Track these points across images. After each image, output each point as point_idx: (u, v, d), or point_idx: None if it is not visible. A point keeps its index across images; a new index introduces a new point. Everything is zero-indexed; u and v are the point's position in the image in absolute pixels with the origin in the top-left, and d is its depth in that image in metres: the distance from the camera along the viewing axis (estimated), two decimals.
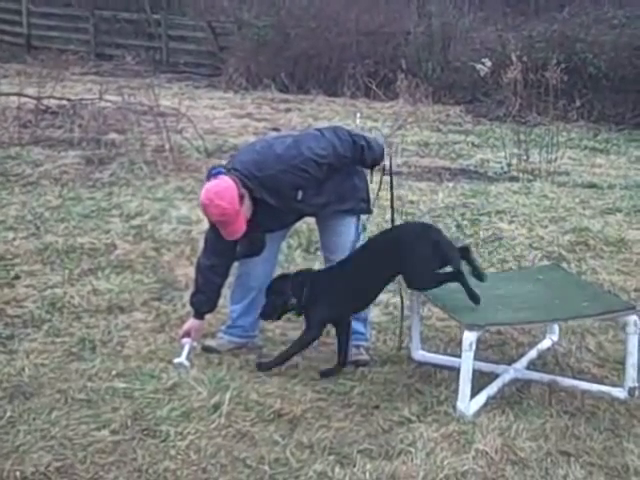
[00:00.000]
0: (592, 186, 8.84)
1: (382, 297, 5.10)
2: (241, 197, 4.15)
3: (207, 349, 4.56)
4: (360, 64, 15.67)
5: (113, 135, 9.78)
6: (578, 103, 12.20)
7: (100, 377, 4.14)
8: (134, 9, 19.89)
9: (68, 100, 10.63)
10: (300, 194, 4.27)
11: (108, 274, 5.63)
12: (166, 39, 19.29)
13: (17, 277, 5.53)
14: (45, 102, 10.54)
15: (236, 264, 4.57)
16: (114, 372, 4.19)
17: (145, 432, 3.62)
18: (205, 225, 6.55)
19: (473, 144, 11.51)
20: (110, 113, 10.30)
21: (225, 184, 4.13)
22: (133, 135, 9.46)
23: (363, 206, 4.53)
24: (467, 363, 3.92)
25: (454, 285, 4.47)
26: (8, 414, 3.74)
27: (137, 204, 7.17)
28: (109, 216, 6.88)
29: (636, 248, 6.40)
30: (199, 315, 4.45)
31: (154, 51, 19.33)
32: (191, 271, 5.66)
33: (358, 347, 4.57)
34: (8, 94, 10.53)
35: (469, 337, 3.91)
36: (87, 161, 8.70)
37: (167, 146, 8.90)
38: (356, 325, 4.54)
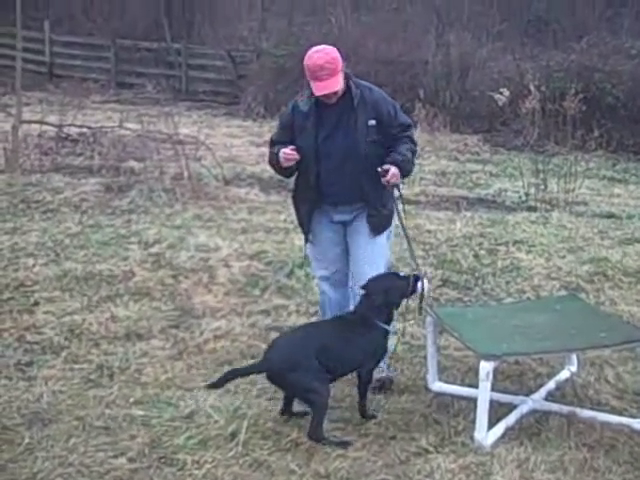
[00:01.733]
0: (610, 216, 8.81)
1: (399, 326, 5.08)
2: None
3: None
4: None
5: (132, 163, 9.88)
6: (596, 133, 12.17)
7: (118, 404, 4.16)
8: (154, 38, 20.12)
9: (88, 128, 10.75)
10: (373, 122, 4.38)
11: (126, 301, 5.66)
12: (186, 68, 19.50)
13: (36, 303, 5.57)
14: (66, 130, 10.67)
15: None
16: (132, 399, 4.22)
17: (162, 460, 3.64)
18: (223, 253, 6.65)
19: (491, 173, 11.52)
20: (129, 141, 10.40)
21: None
22: (152, 163, 9.53)
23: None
24: (484, 393, 3.91)
25: (471, 315, 4.49)
26: (26, 440, 3.76)
27: (155, 231, 7.22)
28: (128, 243, 6.92)
29: None
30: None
31: (174, 80, 19.54)
32: (209, 299, 5.77)
33: (380, 366, 4.48)
34: (30, 122, 10.66)
35: (486, 367, 3.89)
36: (106, 188, 8.78)
37: (186, 174, 8.97)
38: None
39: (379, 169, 4.35)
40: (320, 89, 4.30)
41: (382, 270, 4.50)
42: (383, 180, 4.34)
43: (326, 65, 4.27)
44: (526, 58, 16.41)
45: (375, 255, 4.58)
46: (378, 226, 4.58)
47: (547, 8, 21.32)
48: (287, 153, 4.40)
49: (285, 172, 4.57)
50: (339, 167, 4.44)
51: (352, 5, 19.72)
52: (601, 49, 15.26)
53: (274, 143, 4.58)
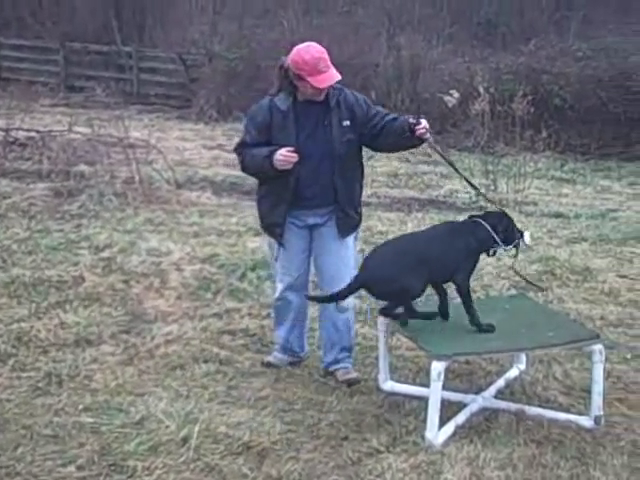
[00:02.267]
0: (559, 216, 8.97)
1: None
2: None
3: (268, 364, 4.79)
4: None
5: (82, 167, 9.74)
6: (545, 134, 12.34)
7: (66, 412, 4.10)
8: (105, 41, 19.91)
9: (37, 132, 10.60)
10: (348, 122, 4.40)
11: (76, 307, 5.59)
12: (137, 71, 19.33)
13: None
14: (13, 134, 10.50)
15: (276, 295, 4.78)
16: (81, 407, 4.16)
17: (112, 468, 3.59)
18: (175, 257, 6.61)
19: (442, 175, 11.62)
20: (79, 145, 10.27)
21: None
22: (102, 167, 9.44)
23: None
24: (435, 393, 3.94)
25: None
26: None
27: (106, 236, 7.14)
28: (78, 248, 6.84)
29: (601, 277, 6.48)
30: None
31: (124, 83, 19.35)
32: (161, 303, 5.73)
33: (346, 367, 4.68)
34: None
35: (437, 367, 3.93)
36: (56, 193, 8.66)
37: (137, 178, 8.89)
38: (342, 351, 4.69)
39: (411, 119, 4.32)
40: (326, 81, 4.26)
41: (354, 271, 4.45)
42: (418, 130, 4.29)
43: (323, 56, 4.29)
44: (476, 60, 16.62)
45: (347, 257, 4.61)
46: (348, 228, 4.59)
47: (496, 11, 21.63)
48: (286, 155, 4.27)
49: (272, 176, 4.37)
50: (316, 168, 4.40)
51: (303, 8, 19.77)
52: (549, 51, 15.57)
53: (247, 146, 4.43)
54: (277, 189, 4.47)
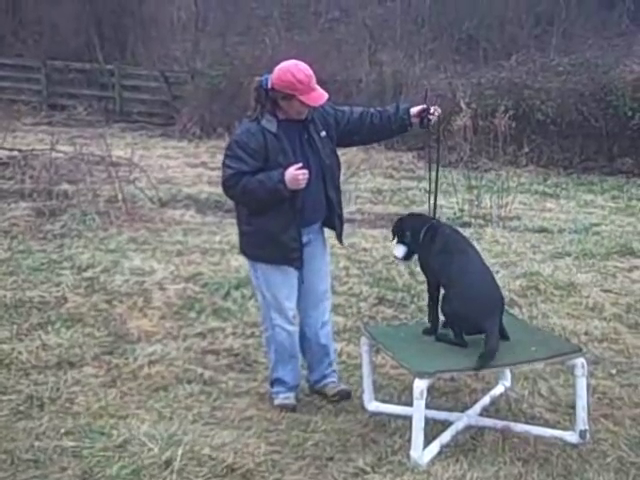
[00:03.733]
0: (542, 230, 8.99)
1: (336, 345, 5.11)
2: None
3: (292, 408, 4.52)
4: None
5: (65, 186, 9.71)
6: (527, 148, 12.46)
7: (48, 436, 4.06)
8: (87, 59, 19.87)
9: (19, 151, 10.56)
10: (324, 133, 4.40)
11: (58, 328, 5.54)
12: (119, 89, 19.29)
13: None
14: None
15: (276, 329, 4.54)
16: (62, 430, 4.11)
17: None
18: (159, 276, 6.57)
19: (426, 190, 11.56)
20: (62, 164, 10.23)
21: None
22: (85, 186, 9.39)
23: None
24: (419, 412, 3.92)
25: (404, 333, 4.52)
26: None
27: (89, 256, 7.10)
28: (60, 269, 6.79)
29: (585, 292, 6.49)
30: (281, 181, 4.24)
31: (107, 101, 19.31)
32: (144, 323, 5.68)
33: (334, 381, 4.68)
34: None
35: (420, 385, 3.91)
36: (38, 213, 8.61)
37: (120, 196, 8.86)
38: (329, 366, 4.69)
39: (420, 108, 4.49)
40: (319, 99, 4.25)
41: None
42: (431, 113, 4.44)
43: (312, 74, 4.26)
44: (458, 75, 16.72)
45: (328, 272, 4.70)
46: (341, 232, 4.64)
47: (477, 26, 21.72)
48: (296, 174, 4.18)
49: (282, 198, 4.24)
50: (312, 183, 4.32)
51: (285, 25, 19.83)
52: (530, 66, 15.65)
53: (245, 174, 4.21)
54: (283, 212, 4.31)
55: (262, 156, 4.25)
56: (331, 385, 4.66)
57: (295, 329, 4.54)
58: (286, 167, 4.22)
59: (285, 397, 4.55)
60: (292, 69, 4.24)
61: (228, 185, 4.30)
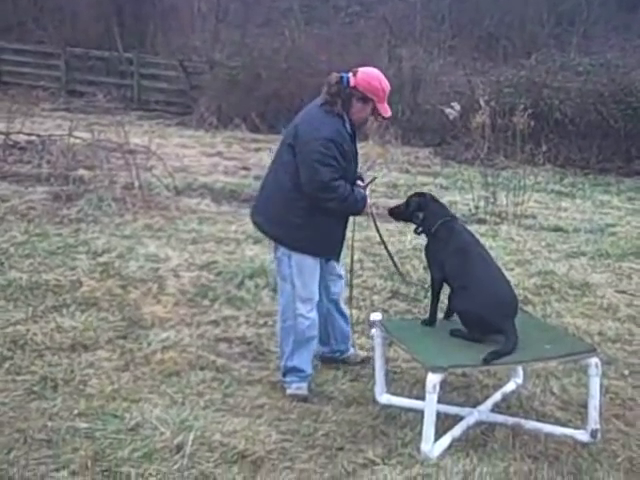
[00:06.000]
0: (558, 229, 8.96)
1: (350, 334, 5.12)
2: None
3: (305, 399, 4.55)
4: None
5: (82, 171, 9.74)
6: (545, 147, 12.39)
7: (61, 417, 4.08)
8: (106, 47, 19.94)
9: (37, 136, 10.59)
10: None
11: (73, 311, 5.57)
12: (138, 77, 19.35)
13: None
14: (14, 137, 10.49)
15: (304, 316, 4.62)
16: (75, 411, 4.13)
17: (105, 473, 3.57)
18: (173, 263, 6.59)
19: (441, 186, 11.62)
20: (79, 149, 10.26)
21: None
22: (102, 172, 9.42)
23: None
24: (431, 405, 3.92)
25: (419, 327, 4.52)
26: None
27: (104, 241, 7.13)
28: (75, 253, 6.82)
29: (600, 292, 6.47)
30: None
31: (125, 89, 19.38)
32: (158, 309, 5.71)
33: (353, 350, 5.05)
34: None
35: (432, 379, 3.91)
36: (55, 197, 8.64)
37: (136, 183, 8.88)
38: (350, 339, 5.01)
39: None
40: (388, 111, 4.49)
41: None
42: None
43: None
44: (477, 73, 16.67)
45: None
46: None
47: (497, 24, 21.66)
48: (368, 207, 4.56)
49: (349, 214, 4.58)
50: None
51: (305, 18, 19.83)
52: (549, 66, 15.57)
53: (340, 179, 4.37)
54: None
55: (345, 157, 4.41)
56: (354, 354, 5.01)
57: (315, 316, 4.62)
58: (346, 173, 4.44)
59: (298, 387, 4.57)
60: (380, 77, 4.44)
61: (330, 187, 4.35)
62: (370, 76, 4.41)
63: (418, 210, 4.54)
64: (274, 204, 4.52)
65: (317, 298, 4.61)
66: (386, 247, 5.07)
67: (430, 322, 4.48)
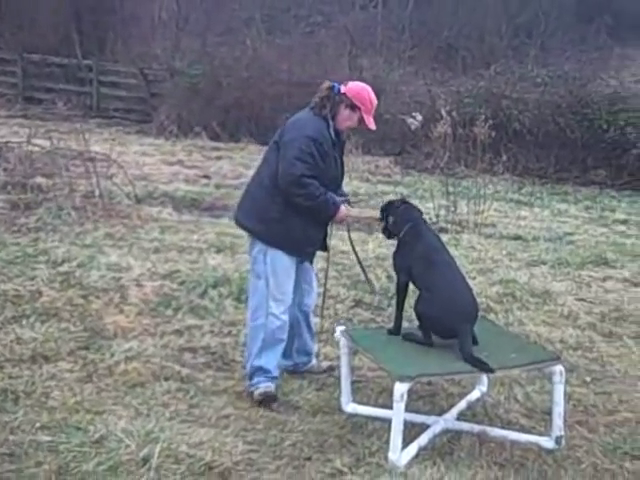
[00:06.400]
0: (517, 238, 9.06)
1: (315, 348, 5.12)
2: None
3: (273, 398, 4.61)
4: (292, 114, 15.83)
5: (40, 179, 9.58)
6: (504, 157, 12.54)
7: (23, 430, 4.00)
8: (65, 54, 19.72)
9: None
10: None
11: (33, 322, 5.47)
12: (97, 84, 19.19)
13: None
14: None
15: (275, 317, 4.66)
16: (38, 424, 4.05)
17: None
18: (135, 273, 6.52)
19: (402, 195, 11.67)
20: (38, 157, 10.10)
21: None
22: (62, 180, 9.29)
23: None
24: (398, 414, 3.92)
25: (384, 337, 4.53)
26: None
27: (64, 250, 7.02)
28: (35, 262, 6.71)
29: (560, 300, 6.55)
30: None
31: (84, 96, 19.18)
32: (121, 319, 5.64)
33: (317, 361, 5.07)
34: None
35: (400, 388, 3.91)
36: (12, 206, 8.50)
37: (97, 192, 8.78)
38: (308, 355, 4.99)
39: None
40: (373, 124, 4.61)
41: None
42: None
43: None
44: (436, 83, 16.82)
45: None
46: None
47: (456, 35, 21.89)
48: (345, 216, 4.65)
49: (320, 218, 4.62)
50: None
51: (266, 27, 19.83)
52: (508, 77, 15.78)
53: (314, 178, 4.46)
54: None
55: (325, 159, 4.50)
56: (316, 364, 5.03)
57: (287, 319, 4.67)
58: (326, 174, 4.53)
59: (266, 386, 4.60)
60: (369, 90, 4.63)
61: (301, 183, 4.43)
62: (360, 87, 4.64)
63: (387, 215, 4.68)
64: (254, 199, 4.67)
65: (290, 301, 4.65)
66: (357, 255, 5.16)
67: (395, 330, 4.50)
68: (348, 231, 4.97)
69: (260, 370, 4.61)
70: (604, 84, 15.10)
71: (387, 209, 4.73)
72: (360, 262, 5.14)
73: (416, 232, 4.51)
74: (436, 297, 4.29)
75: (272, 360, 4.63)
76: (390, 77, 16.75)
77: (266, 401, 4.52)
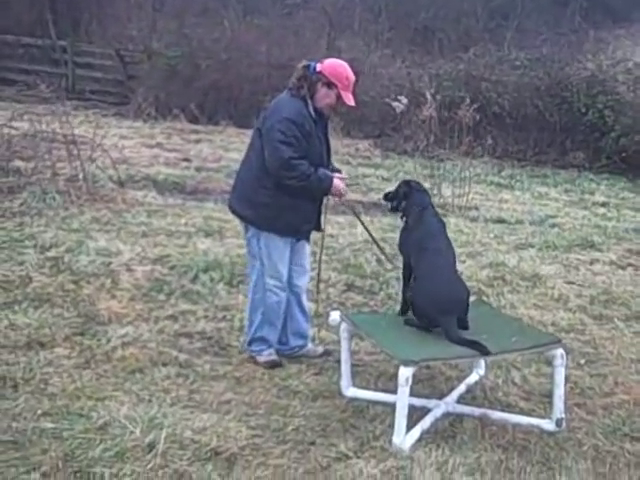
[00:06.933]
0: (502, 221, 9.11)
1: (310, 332, 5.13)
2: None
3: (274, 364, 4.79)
4: (271, 96, 15.70)
5: (19, 163, 9.44)
6: (489, 140, 12.58)
7: (25, 417, 3.96)
8: (39, 34, 19.41)
9: None
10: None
11: (25, 308, 5.41)
12: (72, 66, 18.90)
13: None
14: None
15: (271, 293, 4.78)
16: (40, 411, 4.02)
17: (78, 474, 3.49)
18: (125, 257, 6.47)
19: (383, 178, 11.69)
20: (16, 140, 9.94)
21: None
22: (43, 163, 9.16)
23: None
24: (403, 398, 3.94)
25: (385, 322, 4.54)
26: None
27: (52, 235, 6.95)
28: (22, 247, 6.64)
29: (550, 283, 6.61)
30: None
31: (60, 78, 18.85)
32: (114, 304, 5.60)
33: (314, 344, 5.10)
34: None
35: (405, 373, 3.93)
36: None
37: (81, 175, 8.68)
38: (304, 337, 5.02)
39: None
40: (351, 100, 4.63)
41: None
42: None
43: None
44: (414, 65, 16.78)
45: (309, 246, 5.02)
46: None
47: (433, 18, 21.86)
48: (343, 187, 4.70)
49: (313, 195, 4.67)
50: None
51: (244, 8, 19.65)
52: (487, 60, 15.77)
53: (302, 158, 4.52)
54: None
55: (308, 139, 4.54)
56: (312, 348, 5.04)
57: (284, 296, 4.80)
58: (310, 154, 4.56)
59: (269, 353, 4.81)
60: (345, 66, 4.65)
61: (290, 165, 4.49)
62: (336, 63, 4.67)
63: (400, 199, 4.74)
64: (244, 185, 4.75)
65: (285, 279, 4.77)
66: (370, 234, 5.29)
67: (401, 310, 4.54)
68: (354, 210, 5.27)
69: (261, 339, 4.82)
70: (582, 67, 15.13)
71: (400, 194, 4.79)
72: (371, 235, 5.26)
73: (419, 217, 4.53)
74: (421, 287, 4.37)
75: (272, 332, 4.83)
76: (368, 60, 16.68)
77: (272, 366, 4.74)
